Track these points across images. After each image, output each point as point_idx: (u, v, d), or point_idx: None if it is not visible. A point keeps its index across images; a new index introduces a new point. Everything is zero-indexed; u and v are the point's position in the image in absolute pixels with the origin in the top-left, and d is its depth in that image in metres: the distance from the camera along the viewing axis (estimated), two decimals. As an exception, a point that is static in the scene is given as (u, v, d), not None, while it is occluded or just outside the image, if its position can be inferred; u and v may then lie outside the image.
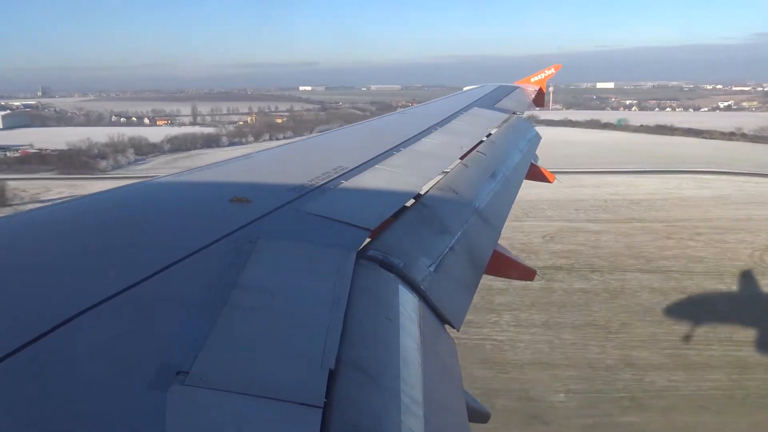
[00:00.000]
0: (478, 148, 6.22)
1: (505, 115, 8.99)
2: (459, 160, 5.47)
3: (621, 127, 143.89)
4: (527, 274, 5.02)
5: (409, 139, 5.68)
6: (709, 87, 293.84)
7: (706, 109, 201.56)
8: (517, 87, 13.40)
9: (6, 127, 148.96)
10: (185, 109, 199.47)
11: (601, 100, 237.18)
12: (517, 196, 5.71)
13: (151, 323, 1.89)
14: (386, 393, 1.89)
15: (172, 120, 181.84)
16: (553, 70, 14.57)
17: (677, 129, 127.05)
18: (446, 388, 2.38)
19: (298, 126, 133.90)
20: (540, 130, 9.35)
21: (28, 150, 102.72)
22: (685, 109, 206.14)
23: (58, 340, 1.68)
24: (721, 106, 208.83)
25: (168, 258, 2.28)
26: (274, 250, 2.59)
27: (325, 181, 3.74)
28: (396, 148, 5.14)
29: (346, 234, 2.96)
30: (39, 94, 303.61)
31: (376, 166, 4.42)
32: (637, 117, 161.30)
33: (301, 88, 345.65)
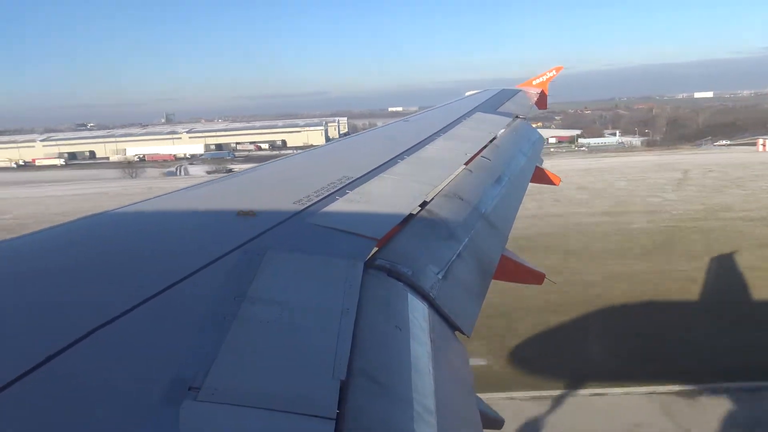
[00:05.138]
0: (483, 153, 6.24)
1: (509, 119, 9.02)
2: (464, 166, 5.49)
3: None
4: (536, 277, 5.01)
5: (413, 147, 5.69)
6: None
7: None
8: (520, 90, 13.36)
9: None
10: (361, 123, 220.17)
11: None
12: None
13: (161, 339, 1.91)
14: (398, 402, 1.90)
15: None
16: (554, 72, 14.46)
17: None
18: (459, 395, 2.39)
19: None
20: None
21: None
22: None
23: (71, 357, 1.69)
24: None
25: (176, 274, 2.31)
26: (281, 263, 2.61)
27: (331, 191, 3.75)
28: (400, 156, 5.16)
29: (353, 244, 2.97)
30: (162, 120, 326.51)
31: (381, 174, 4.43)
32: None
33: (390, 109, 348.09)
